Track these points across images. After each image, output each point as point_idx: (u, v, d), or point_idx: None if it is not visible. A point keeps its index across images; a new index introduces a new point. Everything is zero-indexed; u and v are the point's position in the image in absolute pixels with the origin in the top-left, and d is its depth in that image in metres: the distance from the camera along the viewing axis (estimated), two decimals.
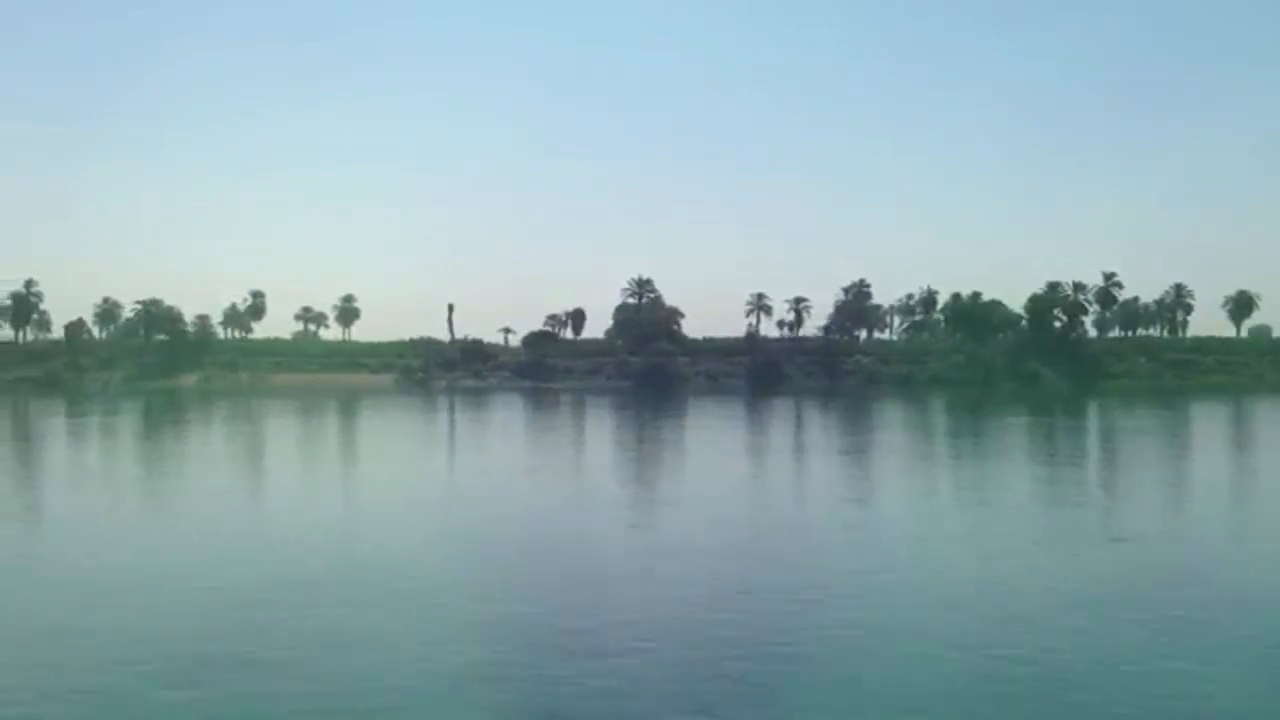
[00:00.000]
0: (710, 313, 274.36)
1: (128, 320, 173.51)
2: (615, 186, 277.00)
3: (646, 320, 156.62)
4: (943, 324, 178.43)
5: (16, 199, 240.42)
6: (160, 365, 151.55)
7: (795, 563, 23.94)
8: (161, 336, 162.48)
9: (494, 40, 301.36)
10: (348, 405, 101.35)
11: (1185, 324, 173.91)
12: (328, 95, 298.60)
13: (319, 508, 34.11)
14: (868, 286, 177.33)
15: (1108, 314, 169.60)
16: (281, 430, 71.06)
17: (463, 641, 17.49)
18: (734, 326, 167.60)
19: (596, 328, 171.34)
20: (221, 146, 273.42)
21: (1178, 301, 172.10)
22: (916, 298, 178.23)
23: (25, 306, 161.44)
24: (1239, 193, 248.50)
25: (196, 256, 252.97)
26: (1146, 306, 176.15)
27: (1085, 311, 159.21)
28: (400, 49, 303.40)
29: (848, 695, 14.92)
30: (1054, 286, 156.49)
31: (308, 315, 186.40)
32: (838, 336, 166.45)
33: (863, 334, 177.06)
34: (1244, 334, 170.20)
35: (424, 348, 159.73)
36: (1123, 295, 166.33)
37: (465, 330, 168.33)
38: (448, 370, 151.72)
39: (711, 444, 58.64)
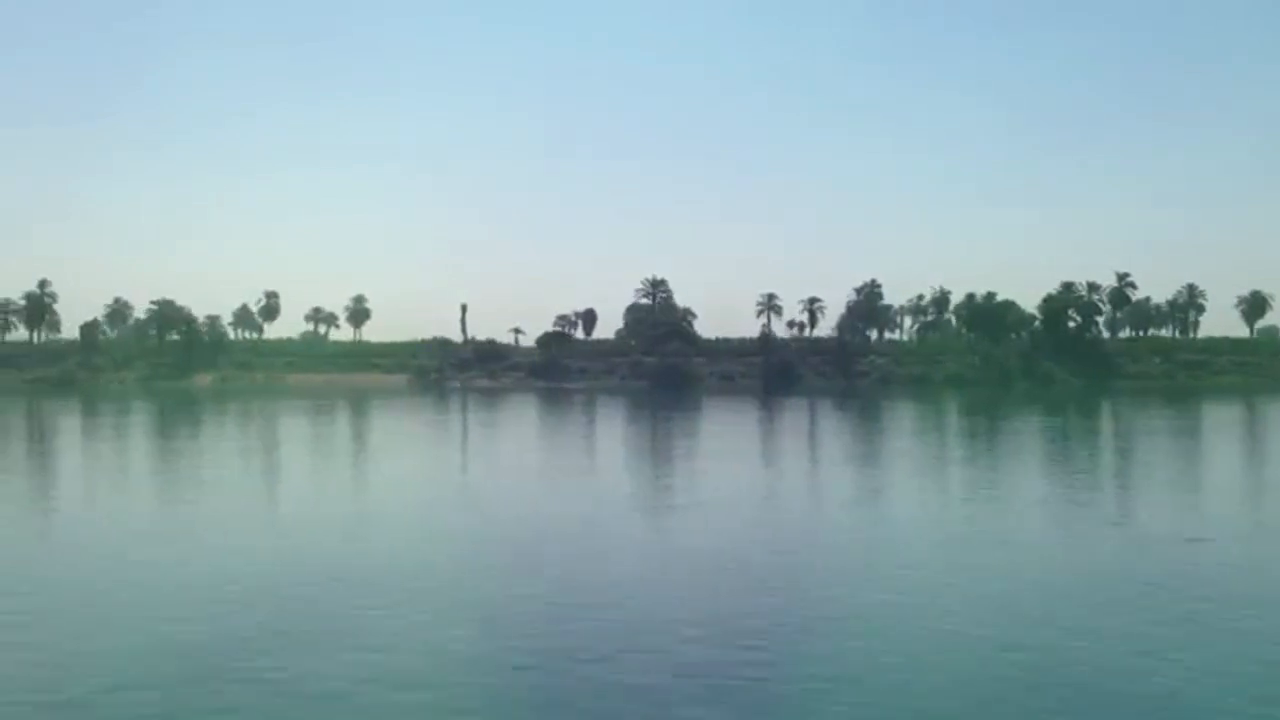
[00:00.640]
0: (712, 312, 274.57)
1: (137, 320, 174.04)
2: (617, 187, 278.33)
3: (661, 320, 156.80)
4: (953, 324, 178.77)
5: (17, 199, 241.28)
6: (175, 365, 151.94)
7: (879, 576, 23.97)
8: (174, 336, 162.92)
9: (494, 40, 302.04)
10: (366, 406, 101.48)
11: (1196, 324, 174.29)
12: (328, 95, 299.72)
13: (357, 507, 34.09)
14: (879, 287, 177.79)
15: (1118, 314, 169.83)
16: (307, 431, 71.18)
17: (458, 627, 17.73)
18: (739, 326, 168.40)
19: (605, 328, 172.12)
20: (221, 146, 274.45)
21: (1190, 302, 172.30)
22: (929, 298, 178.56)
23: (40, 307, 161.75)
24: (1239, 193, 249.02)
25: (196, 257, 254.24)
26: (1158, 307, 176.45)
27: (1099, 312, 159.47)
28: (400, 49, 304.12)
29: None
30: (1068, 287, 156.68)
31: (318, 315, 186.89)
32: (850, 337, 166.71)
33: (873, 334, 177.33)
34: (1254, 335, 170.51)
35: (437, 348, 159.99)
36: (1135, 296, 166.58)
37: (472, 331, 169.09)
38: (461, 370, 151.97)
39: (744, 446, 58.75)
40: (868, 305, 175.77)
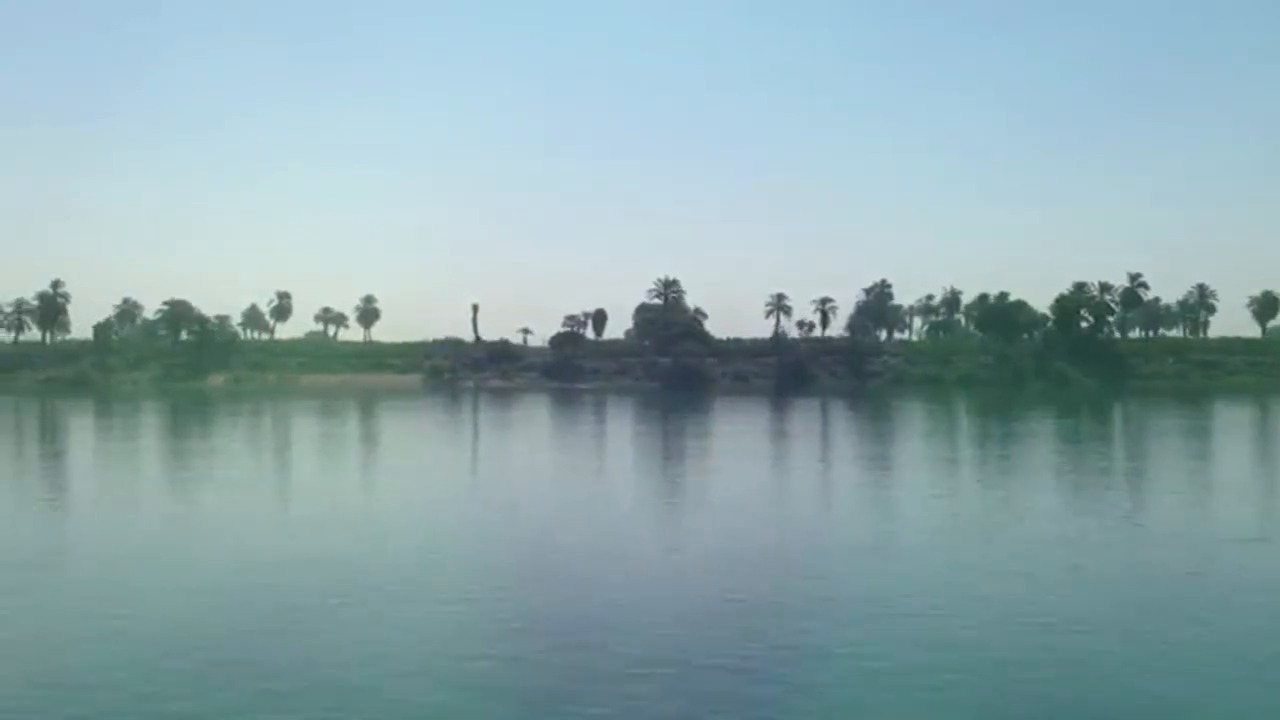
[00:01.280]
0: (715, 312, 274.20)
1: (145, 320, 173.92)
2: (618, 187, 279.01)
3: (674, 321, 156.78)
4: (963, 324, 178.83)
5: (17, 199, 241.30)
6: (188, 366, 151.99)
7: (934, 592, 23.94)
8: (186, 337, 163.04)
9: (494, 40, 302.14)
10: (383, 406, 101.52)
11: (1206, 325, 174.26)
12: (328, 95, 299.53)
13: (386, 508, 33.93)
14: (889, 287, 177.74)
15: (1128, 315, 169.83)
16: (329, 431, 71.21)
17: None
18: (742, 326, 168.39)
19: (613, 328, 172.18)
20: (222, 147, 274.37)
21: (1201, 302, 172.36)
22: (939, 298, 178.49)
23: (53, 307, 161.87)
24: (1241, 193, 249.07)
25: (196, 257, 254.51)
26: (1168, 307, 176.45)
27: (1112, 312, 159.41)
28: (400, 49, 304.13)
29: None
30: (1080, 287, 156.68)
31: (327, 316, 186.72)
32: (860, 337, 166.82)
33: (882, 334, 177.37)
34: (1266, 334, 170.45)
35: (450, 348, 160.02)
36: (1146, 296, 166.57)
37: (480, 331, 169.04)
38: (475, 370, 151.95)
39: (774, 448, 58.77)
40: (878, 305, 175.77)
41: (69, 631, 18.13)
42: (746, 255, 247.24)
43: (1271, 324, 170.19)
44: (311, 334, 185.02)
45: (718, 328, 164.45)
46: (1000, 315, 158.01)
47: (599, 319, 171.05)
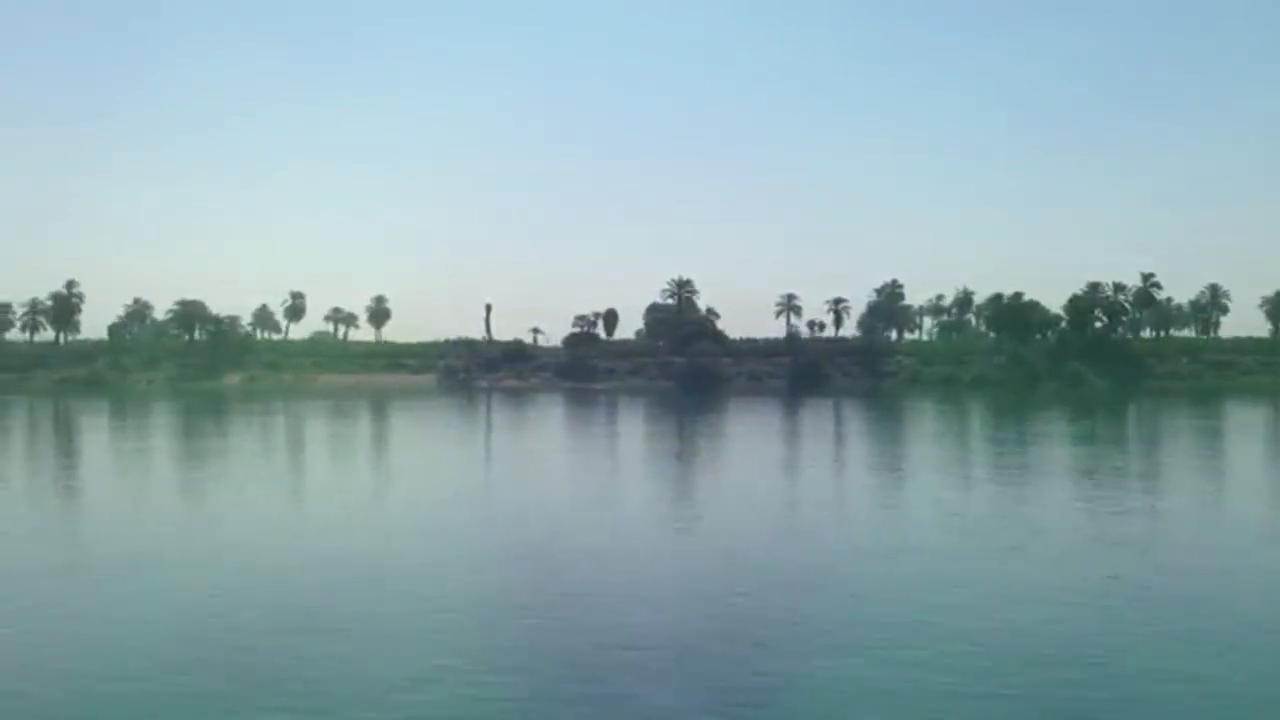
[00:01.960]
0: (722, 312, 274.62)
1: (153, 320, 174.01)
2: (620, 187, 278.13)
3: (688, 321, 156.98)
4: (974, 324, 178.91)
5: (17, 200, 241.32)
6: (203, 366, 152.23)
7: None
8: (201, 337, 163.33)
9: (494, 40, 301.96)
10: (400, 406, 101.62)
11: (1217, 324, 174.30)
12: (328, 95, 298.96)
13: (409, 511, 34.03)
14: (900, 287, 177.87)
15: (1138, 315, 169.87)
16: (354, 433, 71.34)
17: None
18: (746, 326, 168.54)
19: (623, 328, 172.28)
20: (222, 147, 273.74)
21: (1213, 302, 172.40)
22: (951, 298, 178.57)
23: (67, 307, 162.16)
24: (1241, 193, 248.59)
25: (198, 257, 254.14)
26: (1179, 307, 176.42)
27: (1126, 312, 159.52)
28: (401, 49, 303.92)
29: None
30: (1094, 287, 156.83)
31: (338, 316, 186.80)
32: (872, 337, 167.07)
33: (893, 334, 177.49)
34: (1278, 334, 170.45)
35: (463, 348, 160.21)
36: (1159, 296, 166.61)
37: (478, 331, 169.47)
38: (488, 371, 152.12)
39: (801, 448, 58.85)
40: (889, 305, 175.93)
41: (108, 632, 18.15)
42: (747, 255, 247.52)
43: None
44: (317, 334, 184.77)
45: (725, 328, 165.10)
46: (1014, 315, 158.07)
47: (610, 319, 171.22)
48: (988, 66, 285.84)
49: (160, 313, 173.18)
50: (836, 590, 21.04)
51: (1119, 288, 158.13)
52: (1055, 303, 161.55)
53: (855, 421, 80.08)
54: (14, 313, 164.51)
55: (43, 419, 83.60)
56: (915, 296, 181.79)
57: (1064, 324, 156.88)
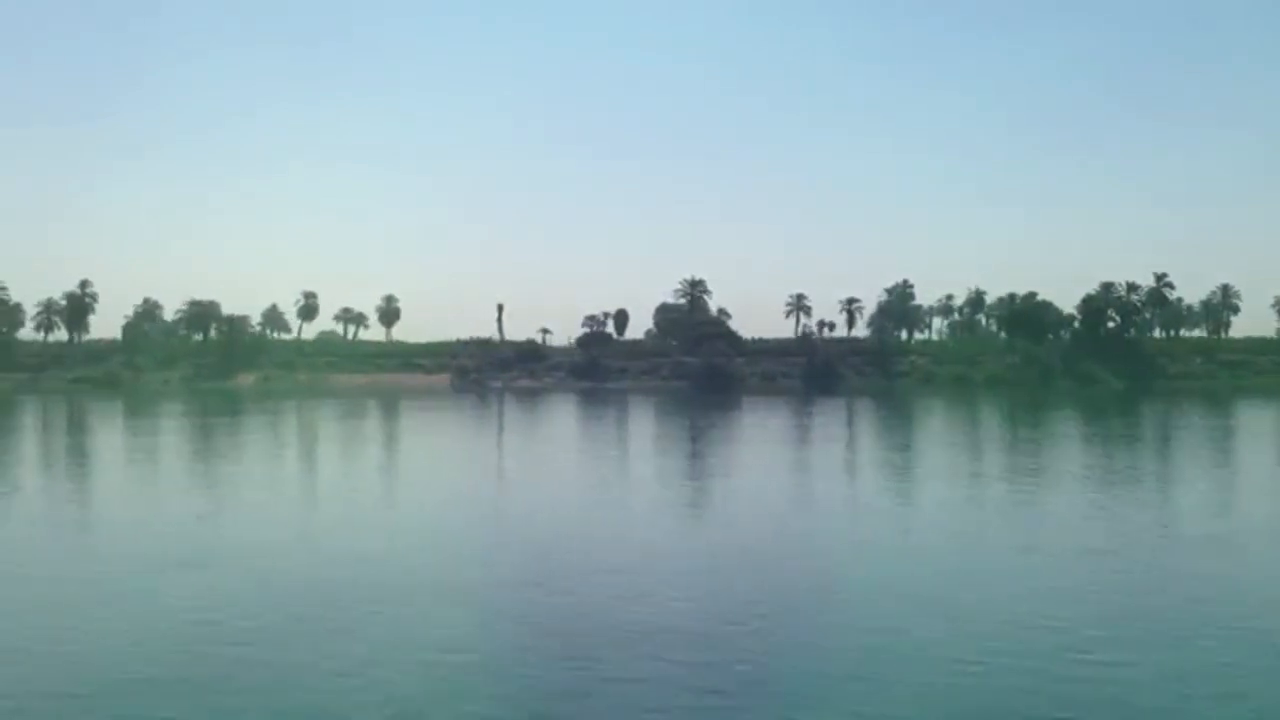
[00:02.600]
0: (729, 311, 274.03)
1: (164, 321, 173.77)
2: (621, 187, 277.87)
3: (702, 320, 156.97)
4: (984, 323, 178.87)
5: (17, 200, 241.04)
6: (216, 366, 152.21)
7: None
8: (214, 336, 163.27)
9: (494, 40, 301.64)
10: (417, 406, 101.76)
11: (1228, 324, 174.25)
12: (328, 95, 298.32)
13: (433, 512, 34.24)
14: (910, 286, 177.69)
15: (1148, 315, 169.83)
16: (376, 434, 71.49)
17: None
18: (755, 326, 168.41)
19: (632, 328, 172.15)
20: (222, 147, 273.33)
21: (1224, 302, 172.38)
22: (962, 298, 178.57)
23: (81, 307, 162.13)
24: (1241, 193, 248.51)
25: (199, 257, 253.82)
26: (1190, 307, 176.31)
27: (1139, 312, 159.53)
28: (401, 48, 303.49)
29: None
30: (1107, 287, 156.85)
31: (348, 316, 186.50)
32: (883, 336, 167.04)
33: (902, 334, 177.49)
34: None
35: (476, 348, 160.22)
36: (1171, 296, 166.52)
37: (487, 331, 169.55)
38: (502, 370, 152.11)
39: (827, 450, 58.99)
40: (900, 305, 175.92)
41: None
42: (748, 255, 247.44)
43: None
44: (323, 334, 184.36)
45: (734, 328, 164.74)
46: (1027, 315, 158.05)
47: (620, 319, 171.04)
48: (988, 66, 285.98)
49: (169, 313, 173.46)
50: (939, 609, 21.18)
51: (1132, 287, 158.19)
52: (1061, 302, 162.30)
53: (886, 422, 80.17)
54: (23, 313, 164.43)
55: (75, 421, 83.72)
56: (921, 297, 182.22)
57: (1077, 324, 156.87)
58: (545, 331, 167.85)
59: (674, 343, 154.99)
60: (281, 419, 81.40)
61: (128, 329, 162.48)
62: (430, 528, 29.83)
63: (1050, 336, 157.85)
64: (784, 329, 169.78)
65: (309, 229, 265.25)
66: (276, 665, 16.29)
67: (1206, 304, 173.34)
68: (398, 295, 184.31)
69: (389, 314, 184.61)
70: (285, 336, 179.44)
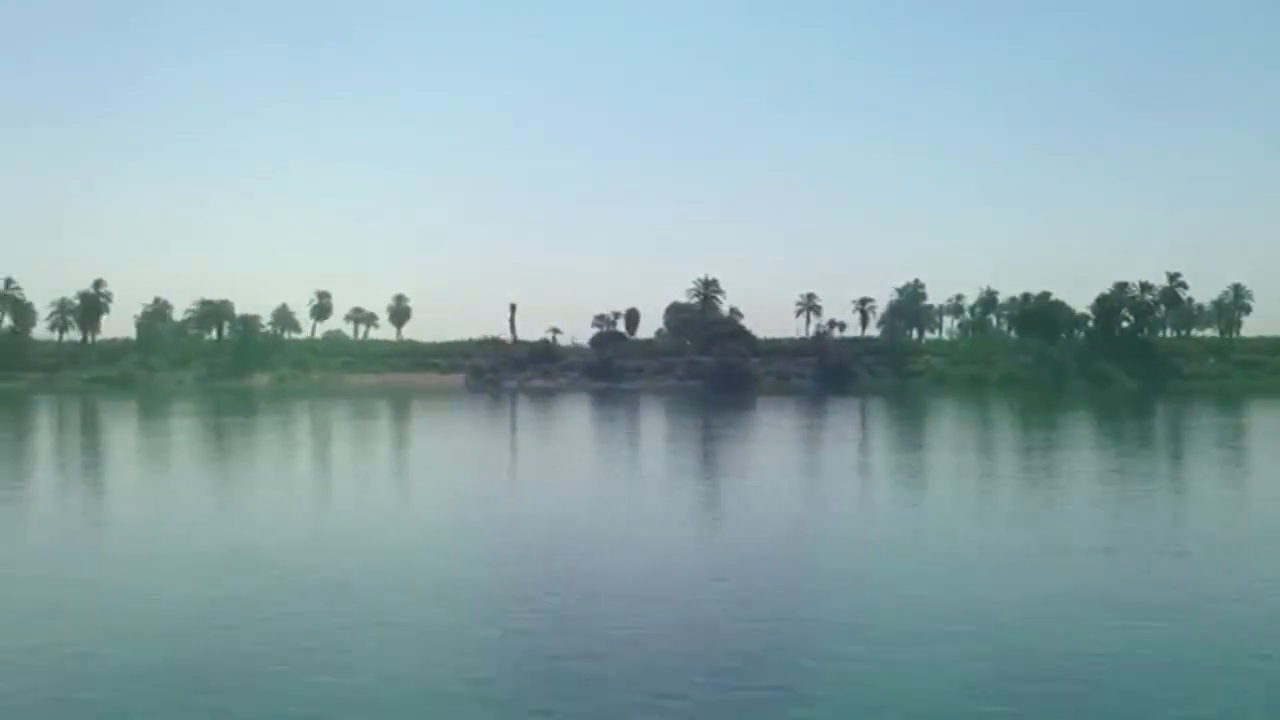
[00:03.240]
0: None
1: (174, 321, 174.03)
2: (621, 187, 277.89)
3: (716, 320, 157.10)
4: (995, 323, 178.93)
5: (17, 200, 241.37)
6: (230, 365, 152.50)
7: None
8: (228, 335, 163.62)
9: (494, 40, 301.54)
10: (433, 406, 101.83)
11: (1240, 324, 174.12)
12: (328, 95, 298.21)
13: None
14: (922, 286, 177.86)
15: (1158, 315, 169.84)
16: (398, 435, 71.56)
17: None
18: (762, 325, 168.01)
19: (643, 327, 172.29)
20: (222, 147, 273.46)
21: (1236, 302, 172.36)
22: (974, 298, 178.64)
23: (95, 307, 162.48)
24: (1241, 193, 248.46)
25: (199, 257, 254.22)
26: (1200, 307, 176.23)
27: (1152, 311, 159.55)
28: (400, 49, 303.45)
29: None
30: (1121, 286, 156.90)
31: (359, 315, 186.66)
32: (895, 336, 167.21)
33: (913, 333, 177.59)
34: None
35: (490, 348, 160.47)
36: (1184, 296, 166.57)
37: (493, 330, 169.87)
38: (516, 370, 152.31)
39: (847, 450, 59.03)
40: (911, 305, 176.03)
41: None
42: (748, 255, 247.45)
43: None
44: (330, 333, 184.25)
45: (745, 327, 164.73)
46: (1039, 315, 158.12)
47: (631, 318, 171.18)
48: (988, 66, 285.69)
49: (178, 313, 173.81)
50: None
51: (1145, 287, 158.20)
52: (1071, 302, 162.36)
53: (904, 422, 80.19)
54: (35, 313, 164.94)
55: (94, 421, 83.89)
56: (927, 296, 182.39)
57: (1091, 323, 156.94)
58: (555, 331, 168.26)
59: (688, 342, 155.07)
60: (297, 419, 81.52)
61: (141, 328, 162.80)
62: (445, 528, 29.86)
63: (1063, 336, 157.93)
64: (789, 328, 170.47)
65: (310, 229, 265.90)
66: (288, 665, 16.27)
67: (1218, 304, 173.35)
68: (383, 295, 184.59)
69: (399, 313, 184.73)
70: (298, 336, 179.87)
